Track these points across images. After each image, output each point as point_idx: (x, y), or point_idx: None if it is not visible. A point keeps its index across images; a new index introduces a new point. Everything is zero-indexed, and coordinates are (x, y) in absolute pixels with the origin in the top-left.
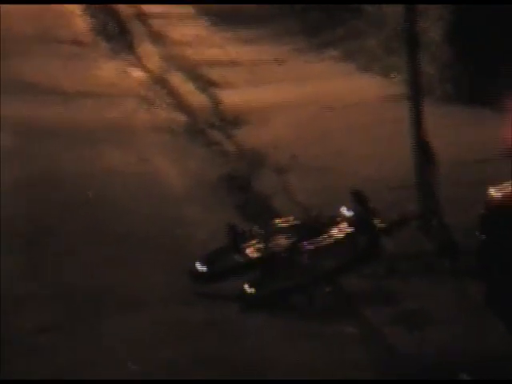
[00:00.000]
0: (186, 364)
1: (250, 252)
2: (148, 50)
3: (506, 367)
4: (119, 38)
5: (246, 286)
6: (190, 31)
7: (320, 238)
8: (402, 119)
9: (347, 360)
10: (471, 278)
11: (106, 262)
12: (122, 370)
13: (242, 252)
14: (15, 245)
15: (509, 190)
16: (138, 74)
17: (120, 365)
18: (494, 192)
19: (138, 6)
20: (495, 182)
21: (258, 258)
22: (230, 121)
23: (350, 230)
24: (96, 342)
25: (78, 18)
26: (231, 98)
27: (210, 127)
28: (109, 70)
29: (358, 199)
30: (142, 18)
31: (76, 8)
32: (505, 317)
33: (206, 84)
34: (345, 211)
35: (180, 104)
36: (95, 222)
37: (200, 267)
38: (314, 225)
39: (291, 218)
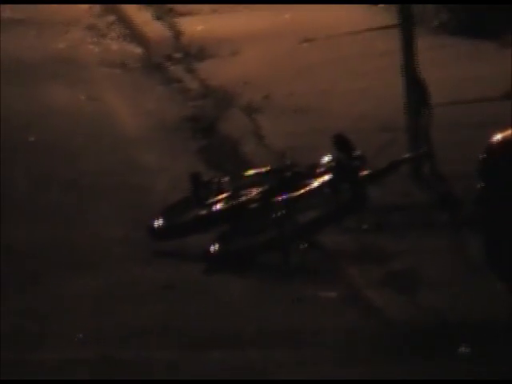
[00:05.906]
0: (142, 333)
1: (216, 204)
2: None
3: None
4: None
5: (212, 243)
6: None
7: (296, 188)
8: (391, 52)
9: (326, 327)
10: (469, 233)
11: (51, 215)
12: (68, 339)
13: (206, 204)
14: None
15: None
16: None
17: (65, 334)
18: (496, 135)
19: None
20: (497, 124)
21: (224, 211)
22: (192, 54)
23: (330, 178)
24: (40, 306)
25: None
26: (194, 26)
27: (169, 61)
28: None
29: (341, 144)
30: None
31: None
32: (507, 276)
33: (164, 11)
34: (325, 157)
35: (134, 35)
36: (39, 169)
37: (159, 221)
38: (290, 173)
39: (263, 166)
